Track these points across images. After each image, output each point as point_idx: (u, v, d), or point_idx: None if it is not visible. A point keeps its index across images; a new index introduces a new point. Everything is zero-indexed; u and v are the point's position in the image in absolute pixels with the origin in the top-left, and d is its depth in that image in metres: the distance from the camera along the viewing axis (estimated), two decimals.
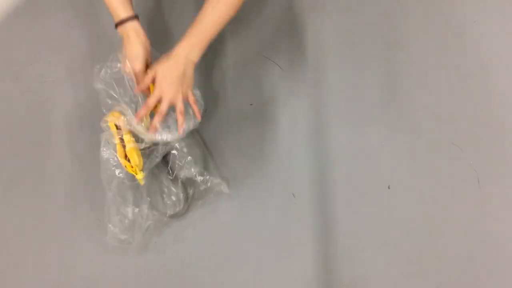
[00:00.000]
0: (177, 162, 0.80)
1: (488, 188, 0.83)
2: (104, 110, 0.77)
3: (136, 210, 0.77)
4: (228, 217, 0.83)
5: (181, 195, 0.81)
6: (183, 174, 0.81)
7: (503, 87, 0.88)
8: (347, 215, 0.82)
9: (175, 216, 0.81)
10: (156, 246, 0.81)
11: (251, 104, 0.89)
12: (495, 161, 0.84)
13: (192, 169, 0.81)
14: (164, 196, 0.81)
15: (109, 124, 0.76)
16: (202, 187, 0.82)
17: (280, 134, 0.87)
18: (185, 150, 0.81)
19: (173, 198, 0.81)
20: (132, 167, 0.75)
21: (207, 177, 0.82)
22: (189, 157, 0.81)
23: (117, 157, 0.75)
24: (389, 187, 0.84)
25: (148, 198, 0.79)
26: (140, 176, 0.76)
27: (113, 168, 0.76)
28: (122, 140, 0.75)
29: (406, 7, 0.93)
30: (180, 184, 0.82)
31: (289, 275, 0.80)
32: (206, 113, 0.88)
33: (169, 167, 0.81)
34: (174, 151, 0.80)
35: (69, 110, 0.89)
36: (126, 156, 0.75)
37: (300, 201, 0.83)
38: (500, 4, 0.93)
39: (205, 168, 0.83)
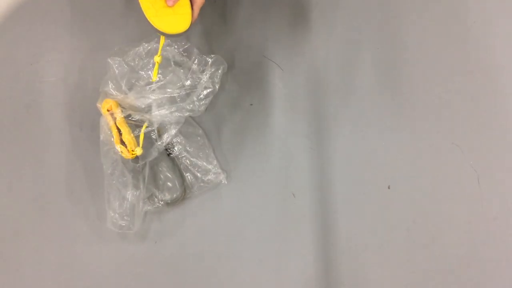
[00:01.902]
0: (177, 149, 0.82)
1: (488, 188, 0.83)
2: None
3: (136, 193, 0.78)
4: (227, 217, 0.83)
5: (177, 182, 0.82)
6: (182, 161, 0.83)
7: (503, 87, 0.88)
8: (347, 215, 0.82)
9: (171, 204, 0.82)
10: (154, 237, 0.82)
11: (251, 104, 0.89)
12: (495, 161, 0.84)
13: (192, 157, 0.83)
14: (161, 182, 0.81)
15: (101, 109, 0.78)
16: (201, 177, 0.83)
17: (280, 134, 0.87)
18: (185, 139, 0.83)
19: (170, 184, 0.81)
20: (128, 152, 0.76)
21: (207, 166, 0.83)
22: (190, 145, 0.83)
23: (114, 142, 0.77)
24: (389, 187, 0.84)
25: (146, 184, 0.80)
26: (138, 152, 0.77)
27: (112, 153, 0.78)
28: (117, 126, 0.78)
29: (407, 7, 0.93)
30: (178, 171, 0.83)
31: (289, 275, 0.80)
32: (206, 112, 0.88)
33: (168, 154, 0.83)
34: (175, 139, 0.82)
35: (69, 110, 0.89)
36: (122, 141, 0.77)
37: (300, 201, 0.83)
38: (500, 4, 0.93)
39: (204, 158, 0.84)
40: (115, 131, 0.78)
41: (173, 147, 0.83)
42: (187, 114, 0.80)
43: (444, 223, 0.82)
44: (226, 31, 0.92)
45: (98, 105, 0.80)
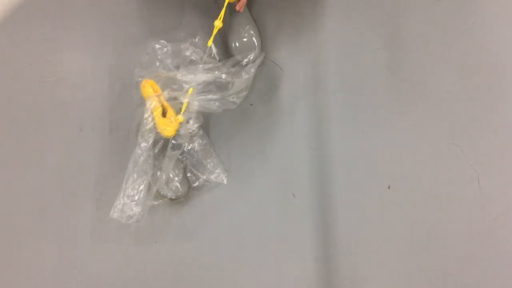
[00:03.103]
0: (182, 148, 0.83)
1: (488, 188, 0.83)
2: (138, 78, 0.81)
3: (154, 182, 0.79)
4: (228, 216, 0.83)
5: (180, 181, 0.82)
6: (183, 161, 0.83)
7: (503, 87, 0.88)
8: (347, 215, 0.82)
9: (174, 200, 0.82)
10: (154, 237, 0.82)
11: (251, 104, 0.89)
12: (495, 161, 0.84)
13: (193, 157, 0.83)
14: (168, 180, 0.82)
15: (145, 88, 0.79)
16: (202, 176, 0.83)
17: (280, 134, 0.87)
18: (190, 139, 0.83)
19: (173, 183, 0.82)
20: (169, 125, 0.77)
21: (208, 166, 0.83)
22: (193, 144, 0.83)
23: (154, 125, 0.78)
24: (389, 187, 0.84)
25: (155, 180, 0.80)
26: (180, 119, 0.78)
27: (152, 134, 0.78)
28: (162, 106, 0.79)
29: (407, 8, 0.93)
30: (181, 170, 0.83)
31: (289, 275, 0.80)
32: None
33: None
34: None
35: (69, 110, 0.89)
36: (164, 115, 0.78)
37: (300, 201, 0.83)
38: (500, 4, 0.93)
39: (206, 158, 0.84)
40: (156, 109, 0.78)
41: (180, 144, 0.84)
42: (225, 107, 0.81)
43: (444, 223, 0.82)
44: (226, 31, 0.92)
45: (142, 87, 0.80)
